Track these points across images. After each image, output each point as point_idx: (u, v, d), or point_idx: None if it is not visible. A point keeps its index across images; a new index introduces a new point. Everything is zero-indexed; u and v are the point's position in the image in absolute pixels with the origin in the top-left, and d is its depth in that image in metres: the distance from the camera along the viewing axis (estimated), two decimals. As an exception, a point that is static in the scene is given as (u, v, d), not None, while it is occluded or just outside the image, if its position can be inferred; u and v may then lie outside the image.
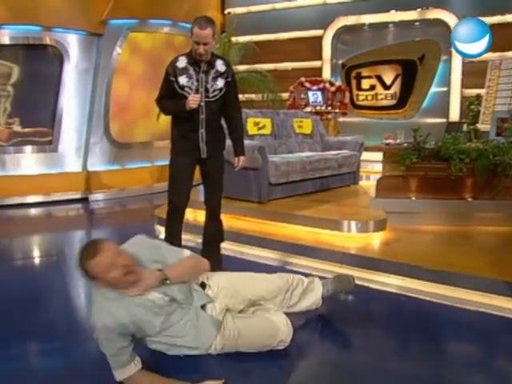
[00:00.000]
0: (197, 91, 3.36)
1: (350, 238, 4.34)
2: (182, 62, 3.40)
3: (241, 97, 9.59)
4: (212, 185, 3.67)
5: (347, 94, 8.81)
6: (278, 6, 9.86)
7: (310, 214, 4.67)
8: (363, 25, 9.18)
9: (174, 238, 3.59)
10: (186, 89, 3.36)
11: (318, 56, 9.53)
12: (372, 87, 9.36)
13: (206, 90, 3.40)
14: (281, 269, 4.01)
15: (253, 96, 9.12)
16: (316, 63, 9.55)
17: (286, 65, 9.74)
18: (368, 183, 6.86)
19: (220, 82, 3.44)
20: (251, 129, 5.74)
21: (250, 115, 5.83)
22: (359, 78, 9.45)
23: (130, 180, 7.97)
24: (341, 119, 9.14)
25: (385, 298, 3.46)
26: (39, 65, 7.76)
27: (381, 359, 2.56)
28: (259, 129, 5.85)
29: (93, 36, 7.89)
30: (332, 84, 8.52)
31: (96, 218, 7.08)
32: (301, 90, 8.61)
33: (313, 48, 9.48)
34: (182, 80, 3.37)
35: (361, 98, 9.46)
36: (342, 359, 2.60)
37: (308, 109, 8.23)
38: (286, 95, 9.09)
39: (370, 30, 9.23)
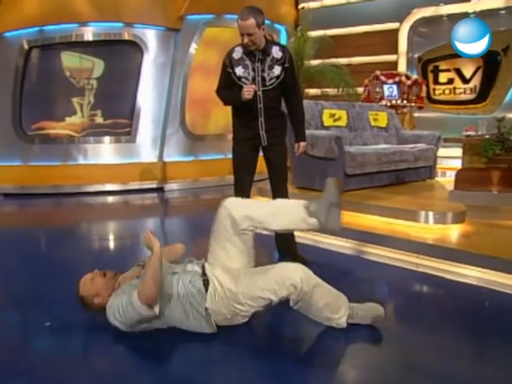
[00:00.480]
0: (253, 81, 3.37)
1: (427, 229, 4.22)
2: (238, 53, 3.40)
3: (316, 90, 9.62)
4: (275, 173, 3.64)
5: (424, 88, 8.56)
6: (352, -1, 9.75)
7: (385, 204, 4.60)
8: (441, 16, 8.88)
9: None
10: (243, 79, 3.38)
11: (394, 50, 9.32)
12: (450, 81, 9.03)
13: (263, 79, 3.40)
14: (356, 258, 4.00)
15: (328, 90, 9.08)
16: (391, 57, 9.34)
17: (360, 59, 9.60)
18: (444, 179, 6.66)
19: (276, 70, 3.40)
20: (327, 120, 5.72)
21: (326, 107, 5.82)
22: (437, 71, 9.15)
23: (203, 171, 8.16)
24: (416, 114, 8.90)
25: (463, 289, 3.34)
26: (120, 59, 8.13)
27: (457, 358, 2.44)
28: (335, 120, 5.82)
29: (170, 31, 8.13)
30: (408, 77, 8.31)
31: (170, 207, 7.31)
32: (376, 83, 8.47)
33: (388, 41, 9.28)
34: (239, 71, 3.39)
35: (438, 92, 9.16)
36: (415, 358, 2.37)
37: (383, 102, 8.08)
38: (360, 89, 8.98)
39: (449, 21, 8.89)
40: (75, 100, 7.97)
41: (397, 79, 8.27)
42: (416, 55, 9.36)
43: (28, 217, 6.59)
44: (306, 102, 5.59)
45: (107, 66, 8.01)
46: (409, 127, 8.16)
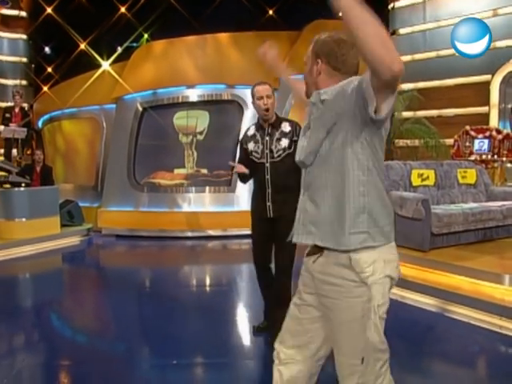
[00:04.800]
0: (262, 153, 3.58)
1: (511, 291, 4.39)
2: (251, 130, 3.70)
3: (405, 142, 9.65)
4: (278, 248, 3.62)
5: (515, 142, 8.57)
6: (443, 53, 9.98)
7: (470, 265, 4.81)
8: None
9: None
10: (254, 153, 3.61)
11: (485, 101, 9.41)
12: (545, 132, 8.94)
13: (271, 151, 3.57)
14: (439, 315, 4.26)
15: (416, 142, 9.31)
16: (483, 109, 9.44)
17: (450, 111, 9.77)
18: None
19: (284, 142, 3.57)
20: (415, 180, 6.00)
21: (415, 167, 6.09)
22: (531, 122, 9.11)
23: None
24: (509, 165, 8.87)
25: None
26: (222, 116, 8.95)
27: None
28: (423, 180, 6.08)
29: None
30: (499, 132, 8.37)
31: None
32: (465, 138, 8.60)
33: (479, 93, 9.40)
34: (251, 146, 3.64)
35: (532, 143, 9.08)
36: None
37: (473, 157, 8.19)
38: (450, 141, 9.13)
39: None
40: (187, 153, 8.88)
41: (487, 134, 8.36)
42: (509, 106, 9.38)
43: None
44: (395, 163, 5.98)
45: (211, 123, 8.88)
46: (500, 181, 8.17)
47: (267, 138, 3.60)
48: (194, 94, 8.87)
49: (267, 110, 3.53)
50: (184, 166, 8.87)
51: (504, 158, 8.26)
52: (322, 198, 1.86)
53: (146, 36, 11.55)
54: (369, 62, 1.51)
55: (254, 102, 3.61)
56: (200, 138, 8.85)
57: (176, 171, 8.88)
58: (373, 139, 1.77)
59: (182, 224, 8.51)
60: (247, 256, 7.49)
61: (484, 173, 6.90)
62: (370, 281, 1.78)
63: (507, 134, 8.46)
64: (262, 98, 3.53)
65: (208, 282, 6.24)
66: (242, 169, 3.59)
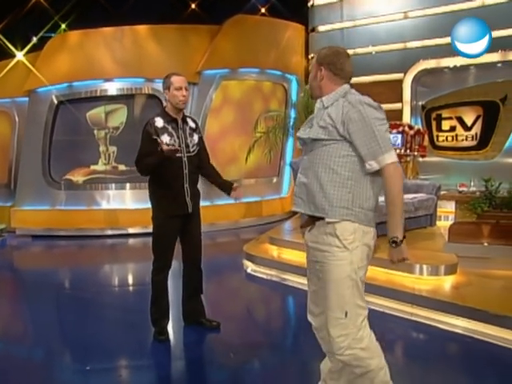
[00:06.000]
0: (180, 147, 3.50)
1: (422, 280, 4.63)
2: (160, 122, 3.51)
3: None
4: (193, 241, 3.76)
5: (426, 138, 9.03)
6: (360, 50, 10.32)
7: (384, 256, 4.99)
8: (443, 68, 9.42)
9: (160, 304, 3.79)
10: (171, 147, 3.45)
11: (398, 98, 9.84)
12: (452, 128, 9.49)
13: (187, 146, 3.56)
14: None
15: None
16: (396, 105, 9.86)
17: (366, 106, 10.10)
18: (445, 223, 7.03)
19: (195, 137, 3.64)
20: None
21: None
22: (439, 119, 9.64)
23: (218, 215, 8.64)
24: (420, 159, 9.34)
25: (451, 338, 3.76)
26: (141, 111, 8.76)
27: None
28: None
29: (189, 85, 8.75)
30: (411, 127, 8.78)
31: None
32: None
33: (393, 91, 9.81)
34: (165, 138, 3.46)
35: (441, 138, 9.62)
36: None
37: (387, 151, 8.52)
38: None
39: (451, 72, 9.44)
40: (99, 149, 8.60)
41: (400, 129, 8.75)
42: (420, 103, 9.88)
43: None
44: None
45: (129, 118, 8.66)
46: (412, 174, 8.60)
47: (181, 132, 3.57)
48: (112, 88, 8.61)
49: (185, 101, 3.52)
50: (101, 163, 8.60)
51: (416, 153, 8.68)
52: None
53: (63, 26, 11.03)
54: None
55: (168, 93, 3.51)
56: (117, 133, 8.61)
57: (92, 167, 8.59)
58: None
59: (102, 222, 8.30)
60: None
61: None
62: (350, 247, 2.29)
63: (418, 130, 8.90)
64: (180, 88, 3.49)
65: (129, 281, 6.11)
66: (170, 147, 3.35)
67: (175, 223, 3.62)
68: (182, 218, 3.64)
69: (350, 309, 2.28)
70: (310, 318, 2.52)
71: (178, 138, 3.55)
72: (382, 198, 2.42)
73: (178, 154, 3.49)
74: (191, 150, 3.60)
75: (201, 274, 3.90)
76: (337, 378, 2.50)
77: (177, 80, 3.51)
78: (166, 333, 3.78)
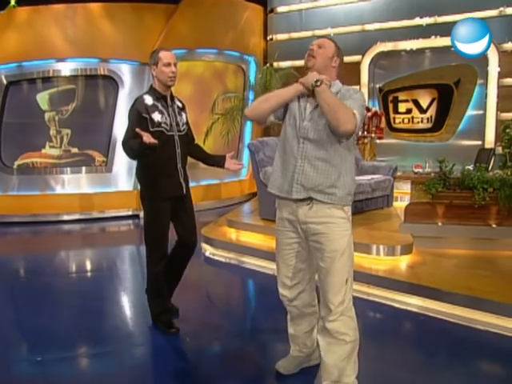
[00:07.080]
0: (171, 126, 3.39)
1: (379, 260, 4.73)
2: (149, 100, 3.35)
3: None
4: (190, 223, 3.64)
5: (383, 119, 9.16)
6: (319, 32, 10.31)
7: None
8: (400, 51, 9.53)
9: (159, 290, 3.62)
10: (163, 125, 3.35)
11: (357, 80, 9.91)
12: (408, 111, 9.66)
13: (177, 124, 3.46)
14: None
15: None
16: (354, 87, 9.91)
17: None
18: (402, 204, 7.17)
19: (184, 116, 3.56)
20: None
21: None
22: (396, 101, 9.78)
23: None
24: (377, 141, 9.48)
25: (406, 316, 3.86)
26: (95, 93, 8.52)
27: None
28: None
29: (144, 65, 8.52)
30: (368, 109, 8.87)
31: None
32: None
33: (352, 73, 9.86)
34: (156, 116, 3.33)
35: (397, 121, 9.78)
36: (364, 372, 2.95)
37: (345, 133, 8.59)
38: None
39: (408, 55, 9.57)
40: (52, 132, 8.33)
41: (358, 111, 8.83)
42: (377, 86, 9.98)
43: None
44: (271, 139, 6.12)
45: (84, 100, 8.41)
46: (370, 156, 8.72)
47: (171, 110, 3.45)
48: (66, 68, 8.31)
49: (173, 78, 3.37)
50: (54, 146, 8.34)
51: (373, 135, 8.80)
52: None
53: (13, 2, 10.53)
54: (329, 122, 2.41)
55: (155, 69, 3.35)
56: (68, 115, 8.35)
57: (44, 151, 8.32)
58: None
59: (57, 207, 8.06)
60: (127, 238, 7.38)
61: (355, 148, 7.28)
62: (350, 219, 2.55)
63: (375, 112, 9.01)
64: (169, 64, 3.35)
65: (87, 267, 5.97)
66: (151, 139, 3.09)
67: (169, 206, 3.45)
68: (174, 201, 3.48)
69: (349, 276, 2.52)
70: (282, 290, 2.76)
71: (169, 115, 3.42)
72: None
73: (170, 133, 3.39)
74: (181, 128, 3.50)
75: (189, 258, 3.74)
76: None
77: (165, 55, 3.34)
78: (174, 324, 3.63)
